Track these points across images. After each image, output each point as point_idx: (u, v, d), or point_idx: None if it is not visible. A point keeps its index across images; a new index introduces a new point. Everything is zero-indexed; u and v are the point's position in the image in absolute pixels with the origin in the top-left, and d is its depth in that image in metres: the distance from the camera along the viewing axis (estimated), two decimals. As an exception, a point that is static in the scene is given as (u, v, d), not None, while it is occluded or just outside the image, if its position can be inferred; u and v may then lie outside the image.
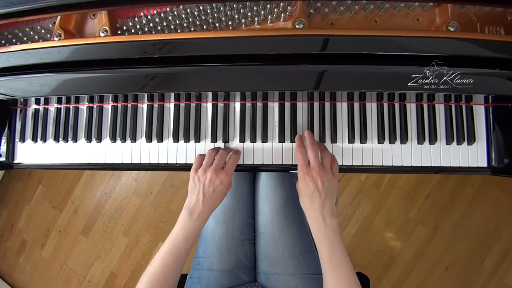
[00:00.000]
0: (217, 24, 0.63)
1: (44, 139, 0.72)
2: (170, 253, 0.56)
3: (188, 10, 0.62)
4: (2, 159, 0.73)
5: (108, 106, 0.71)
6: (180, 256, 0.57)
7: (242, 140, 0.67)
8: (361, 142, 0.65)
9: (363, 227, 1.41)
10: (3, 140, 0.73)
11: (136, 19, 0.65)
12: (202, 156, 0.62)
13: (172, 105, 0.69)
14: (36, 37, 0.67)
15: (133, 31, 0.65)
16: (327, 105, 0.66)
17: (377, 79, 0.57)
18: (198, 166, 0.61)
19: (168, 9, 0.63)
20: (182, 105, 0.69)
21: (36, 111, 0.73)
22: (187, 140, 0.68)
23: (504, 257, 1.35)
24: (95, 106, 0.71)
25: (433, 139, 0.64)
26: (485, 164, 0.63)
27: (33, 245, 1.61)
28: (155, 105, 0.69)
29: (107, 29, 0.63)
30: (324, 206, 0.54)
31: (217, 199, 0.60)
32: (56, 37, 0.63)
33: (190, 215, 0.58)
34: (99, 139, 0.70)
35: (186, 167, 0.67)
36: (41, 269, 1.60)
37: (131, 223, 1.53)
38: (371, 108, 0.65)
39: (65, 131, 0.71)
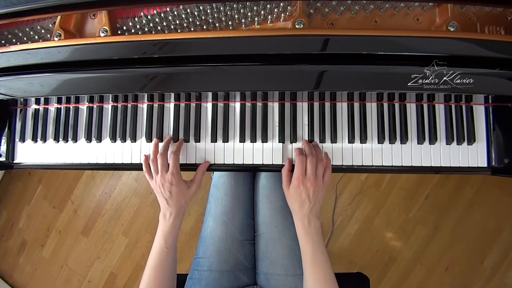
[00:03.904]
0: (217, 24, 0.63)
1: (44, 139, 0.72)
2: (155, 255, 0.61)
3: (188, 10, 0.62)
4: (2, 159, 0.73)
5: (108, 106, 0.70)
6: (163, 256, 0.60)
7: (242, 140, 0.67)
8: (361, 142, 0.65)
9: (363, 227, 1.41)
10: (3, 140, 0.73)
11: (136, 19, 0.65)
12: (146, 161, 0.65)
13: (172, 105, 0.69)
14: (36, 37, 0.67)
15: (133, 31, 0.65)
16: (327, 105, 0.66)
17: (377, 79, 0.57)
18: (148, 172, 0.65)
19: (168, 9, 0.63)
20: (182, 105, 0.69)
21: (36, 111, 0.73)
22: (187, 140, 0.67)
23: (504, 257, 1.35)
24: (95, 106, 0.71)
25: (433, 139, 0.64)
26: (485, 164, 0.63)
27: (33, 245, 1.60)
28: (155, 105, 0.69)
29: (107, 29, 0.63)
30: (311, 211, 0.59)
31: (179, 198, 0.62)
32: (56, 37, 0.63)
33: (164, 217, 0.63)
34: (99, 139, 0.70)
35: (187, 167, 0.67)
36: (41, 269, 1.60)
37: (131, 223, 1.53)
38: (371, 108, 0.65)
39: (65, 131, 0.71)
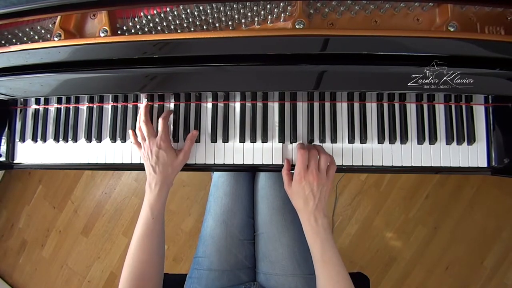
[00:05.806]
0: (217, 24, 0.63)
1: (44, 139, 0.72)
2: (142, 225, 0.60)
3: (188, 10, 0.62)
4: (2, 159, 0.73)
5: (108, 106, 0.71)
6: (151, 226, 0.60)
7: (242, 140, 0.67)
8: (361, 142, 0.65)
9: (363, 227, 1.41)
10: (3, 140, 0.73)
11: (136, 19, 0.65)
12: (133, 132, 0.67)
13: (172, 105, 0.69)
14: (36, 37, 0.67)
15: (133, 31, 0.65)
16: (327, 105, 0.66)
17: (377, 79, 0.57)
18: (136, 143, 0.66)
19: (168, 9, 0.63)
20: (182, 105, 0.69)
21: (36, 111, 0.73)
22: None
23: (504, 257, 1.35)
24: (95, 106, 0.71)
25: (433, 139, 0.64)
26: (485, 164, 0.63)
27: (33, 245, 1.61)
28: (155, 105, 0.69)
29: (107, 29, 0.63)
30: (316, 208, 0.57)
31: (166, 165, 0.62)
32: (56, 37, 0.63)
33: (150, 187, 0.62)
34: (99, 139, 0.70)
35: (186, 167, 0.67)
36: (41, 269, 1.60)
37: (131, 223, 1.53)
38: (371, 108, 0.65)
39: (65, 131, 0.71)
